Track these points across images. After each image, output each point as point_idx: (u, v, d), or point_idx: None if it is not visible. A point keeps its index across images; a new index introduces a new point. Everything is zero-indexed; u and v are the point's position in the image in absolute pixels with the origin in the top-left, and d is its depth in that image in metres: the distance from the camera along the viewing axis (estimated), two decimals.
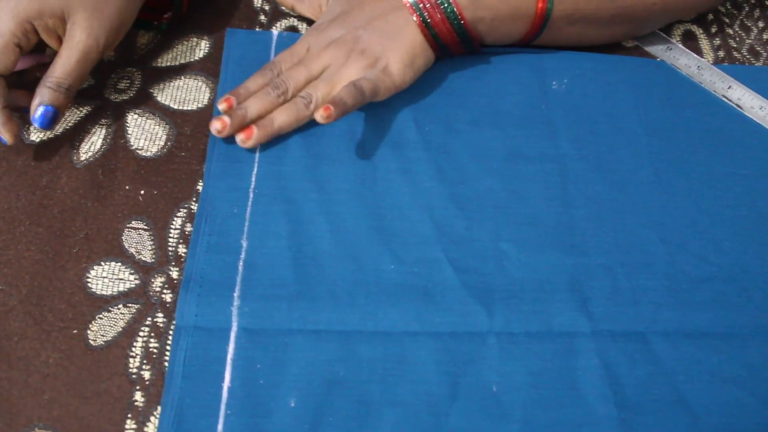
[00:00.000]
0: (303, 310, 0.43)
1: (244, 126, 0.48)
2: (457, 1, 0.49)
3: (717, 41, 0.61)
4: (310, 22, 0.57)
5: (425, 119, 0.51)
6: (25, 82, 0.49)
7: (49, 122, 0.45)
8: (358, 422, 0.40)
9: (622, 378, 0.43)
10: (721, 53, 0.60)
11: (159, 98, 0.52)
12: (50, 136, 0.49)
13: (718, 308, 0.46)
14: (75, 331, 0.42)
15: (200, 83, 0.53)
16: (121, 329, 0.42)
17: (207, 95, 0.52)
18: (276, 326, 0.42)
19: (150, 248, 0.45)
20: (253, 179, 0.48)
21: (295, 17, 0.58)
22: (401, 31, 0.50)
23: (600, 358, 0.43)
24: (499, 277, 0.45)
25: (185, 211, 0.47)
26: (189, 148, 0.50)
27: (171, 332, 0.42)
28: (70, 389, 0.40)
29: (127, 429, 0.39)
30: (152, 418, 0.39)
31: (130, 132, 0.50)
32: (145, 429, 0.39)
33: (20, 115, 0.49)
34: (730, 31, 0.61)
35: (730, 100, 0.55)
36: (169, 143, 0.50)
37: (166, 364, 0.41)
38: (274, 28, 0.57)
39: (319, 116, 0.44)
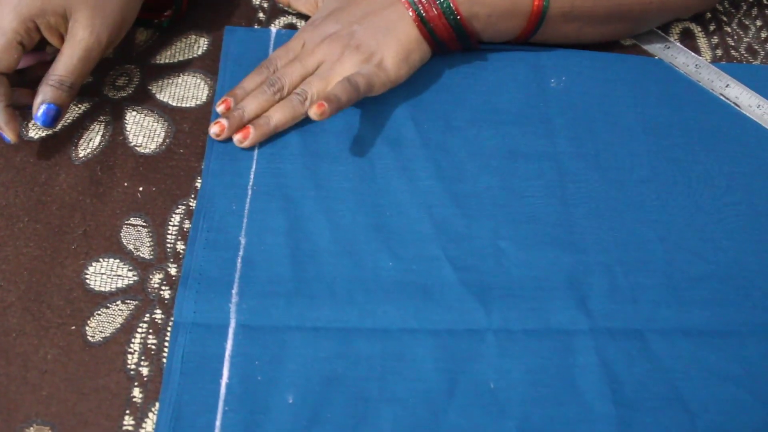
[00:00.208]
0: (301, 307, 0.43)
1: (241, 126, 0.48)
2: None
3: (715, 40, 0.61)
4: (308, 19, 0.57)
5: (423, 117, 0.52)
6: (27, 80, 0.49)
7: (51, 120, 0.45)
8: (356, 419, 0.40)
9: (620, 375, 0.43)
10: (719, 52, 0.60)
11: (158, 95, 0.52)
12: (49, 133, 0.49)
13: (716, 306, 0.46)
14: (73, 328, 0.42)
15: (199, 80, 0.53)
16: (119, 325, 0.42)
17: (206, 92, 0.52)
18: (274, 323, 0.42)
19: (148, 245, 0.45)
20: (252, 176, 0.48)
21: (293, 14, 0.58)
22: (396, 26, 0.50)
23: (598, 355, 0.43)
24: (497, 275, 0.45)
25: (184, 207, 0.47)
26: (187, 145, 0.50)
27: (169, 329, 0.42)
28: (68, 385, 0.40)
29: (125, 425, 0.39)
30: (150, 414, 0.39)
31: (128, 129, 0.50)
32: (143, 425, 0.39)
33: (21, 113, 0.48)
34: (728, 30, 0.62)
35: (727, 99, 0.55)
36: (167, 140, 0.50)
37: (164, 360, 0.41)
38: (272, 25, 0.57)
39: (313, 113, 0.45)
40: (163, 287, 0.44)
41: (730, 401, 0.43)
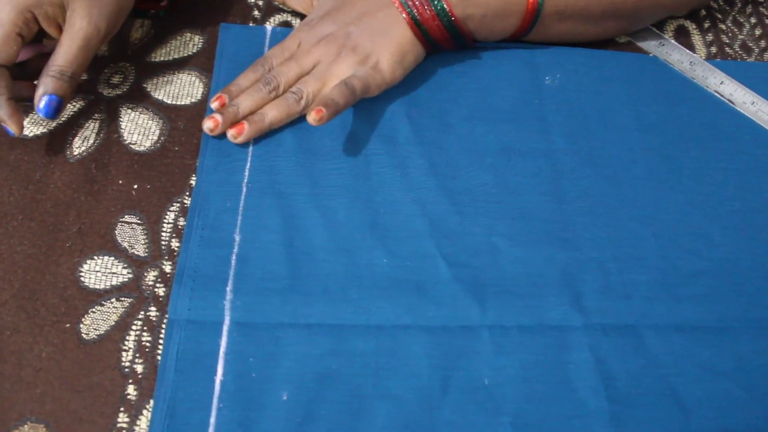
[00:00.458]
0: (295, 303, 0.43)
1: (236, 122, 0.48)
2: None
3: (709, 37, 0.61)
4: (303, 17, 0.58)
5: (418, 114, 0.52)
6: (27, 73, 0.48)
7: (53, 111, 0.45)
8: (351, 416, 0.40)
9: (613, 371, 0.43)
10: (714, 49, 0.60)
11: (152, 93, 0.52)
12: (43, 131, 0.49)
13: (710, 302, 0.46)
14: (68, 325, 0.42)
15: (194, 78, 0.53)
16: (113, 323, 0.42)
17: (200, 90, 0.52)
18: (268, 320, 0.42)
19: (143, 242, 0.45)
20: (246, 173, 0.48)
21: (288, 12, 0.58)
22: (391, 28, 0.50)
23: (592, 351, 0.43)
24: (491, 272, 0.45)
25: (178, 205, 0.47)
26: (182, 143, 0.50)
27: (164, 326, 0.42)
28: (62, 383, 0.40)
29: (120, 422, 0.39)
30: (145, 412, 0.39)
31: (123, 127, 0.50)
32: (138, 422, 0.39)
33: (22, 108, 0.48)
34: (723, 27, 0.62)
35: (722, 96, 0.55)
36: (162, 138, 0.50)
37: (159, 357, 0.41)
38: (267, 23, 0.57)
39: (312, 119, 0.45)
40: (158, 285, 0.44)
41: (723, 396, 0.43)
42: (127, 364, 0.41)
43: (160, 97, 0.52)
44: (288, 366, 0.41)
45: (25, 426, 0.39)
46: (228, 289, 0.43)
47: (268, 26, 0.56)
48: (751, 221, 0.50)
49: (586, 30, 0.55)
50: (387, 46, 0.50)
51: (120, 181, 0.47)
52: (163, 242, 0.45)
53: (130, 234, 0.45)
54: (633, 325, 0.44)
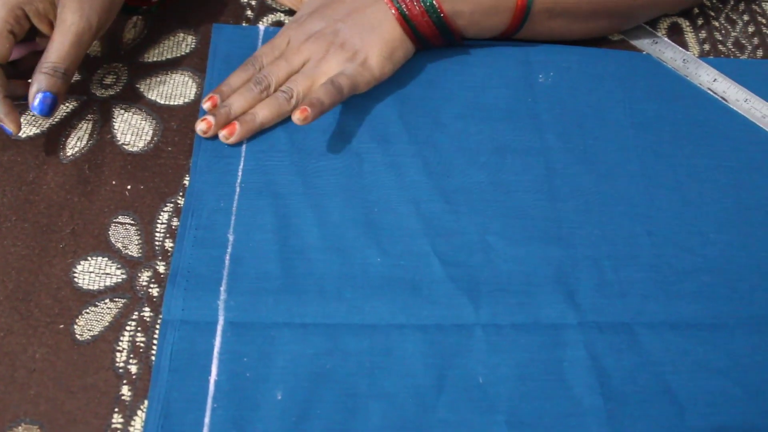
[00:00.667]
0: (290, 303, 0.43)
1: (228, 123, 0.48)
2: None
3: (702, 34, 0.61)
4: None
5: (411, 113, 0.52)
6: (20, 72, 0.48)
7: (48, 109, 0.45)
8: (345, 415, 0.40)
9: (608, 369, 0.43)
10: (707, 46, 0.60)
11: (145, 93, 0.52)
12: (36, 131, 0.49)
13: (704, 299, 0.46)
14: (62, 326, 0.42)
15: (187, 78, 0.53)
16: (107, 324, 0.42)
17: (193, 90, 0.52)
18: (262, 320, 0.42)
19: (137, 243, 0.45)
20: (240, 173, 0.48)
21: (281, 12, 0.58)
22: (380, 24, 0.50)
23: (587, 349, 0.43)
24: (485, 270, 0.45)
25: (172, 205, 0.47)
26: (175, 143, 0.49)
27: (158, 326, 0.42)
28: (56, 384, 0.40)
29: (114, 423, 0.39)
30: (139, 412, 0.39)
31: (116, 127, 0.50)
32: (132, 423, 0.39)
33: (17, 106, 0.48)
34: (716, 24, 0.62)
35: (715, 93, 0.56)
36: (155, 138, 0.50)
37: (153, 358, 0.41)
38: (260, 23, 0.57)
39: (296, 118, 0.45)
40: (152, 285, 0.44)
41: (718, 394, 0.43)
42: (122, 364, 0.41)
43: (153, 98, 0.52)
44: (282, 365, 0.41)
45: (20, 427, 0.39)
46: (222, 289, 0.43)
47: (261, 26, 0.56)
48: (746, 218, 0.50)
49: (577, 27, 0.55)
50: (376, 42, 0.50)
51: (113, 182, 0.47)
52: (156, 242, 0.45)
53: (124, 234, 0.45)
54: (628, 322, 0.44)
